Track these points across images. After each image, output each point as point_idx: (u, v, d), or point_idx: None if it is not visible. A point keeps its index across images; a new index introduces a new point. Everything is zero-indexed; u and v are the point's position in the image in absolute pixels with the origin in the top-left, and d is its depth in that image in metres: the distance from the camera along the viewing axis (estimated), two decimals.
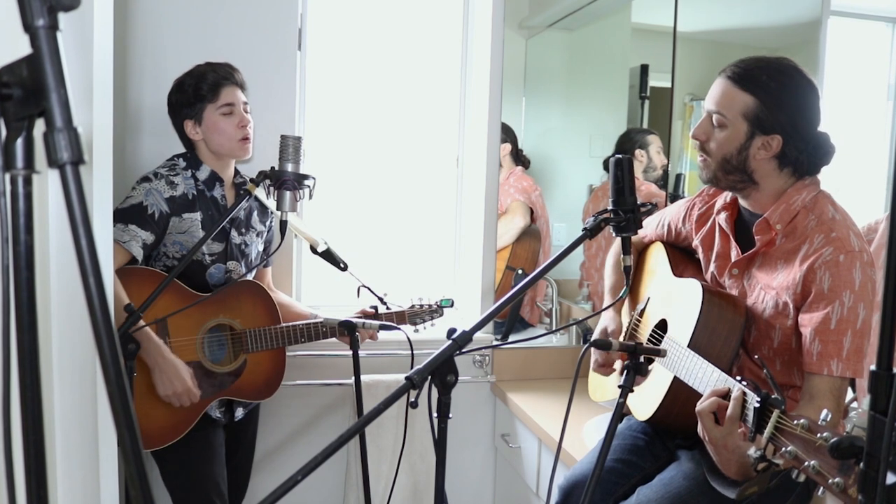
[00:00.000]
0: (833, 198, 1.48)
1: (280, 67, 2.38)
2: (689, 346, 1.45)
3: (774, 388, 1.15)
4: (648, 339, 1.68)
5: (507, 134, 2.72)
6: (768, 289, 1.48)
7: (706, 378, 1.36)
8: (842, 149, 1.50)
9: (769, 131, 1.43)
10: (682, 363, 1.45)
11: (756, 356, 1.50)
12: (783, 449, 1.07)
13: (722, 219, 1.59)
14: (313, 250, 2.12)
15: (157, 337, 1.83)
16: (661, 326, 1.65)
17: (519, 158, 2.78)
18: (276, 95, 2.37)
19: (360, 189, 2.71)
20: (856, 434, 0.94)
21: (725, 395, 1.27)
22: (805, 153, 1.44)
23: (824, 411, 1.03)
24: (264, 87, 2.33)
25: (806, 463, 1.02)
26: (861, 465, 0.73)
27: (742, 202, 1.57)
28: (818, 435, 1.02)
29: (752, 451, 1.11)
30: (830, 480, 0.97)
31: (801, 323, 1.41)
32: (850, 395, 1.55)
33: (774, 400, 1.13)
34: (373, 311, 2.13)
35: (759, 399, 1.16)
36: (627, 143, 2.77)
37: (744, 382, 1.24)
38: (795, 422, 1.06)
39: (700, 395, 1.34)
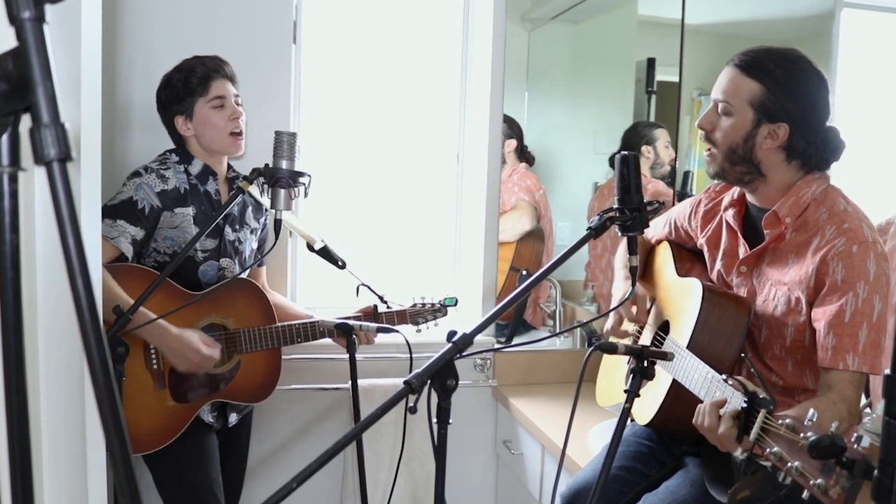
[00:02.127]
0: (843, 192, 1.49)
1: (274, 61, 2.38)
2: (688, 347, 1.45)
3: (763, 387, 1.15)
4: (652, 342, 1.68)
5: (513, 129, 2.72)
6: (779, 285, 1.48)
7: (700, 379, 1.36)
8: (855, 144, 1.50)
9: (775, 119, 1.44)
10: (680, 365, 1.45)
11: (743, 354, 1.50)
12: (767, 450, 1.06)
13: (729, 215, 1.60)
14: (310, 248, 2.11)
15: (153, 315, 1.80)
16: (665, 328, 1.66)
17: (523, 155, 2.78)
18: (270, 90, 2.37)
19: (358, 187, 2.71)
20: (864, 433, 0.94)
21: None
22: (813, 146, 1.45)
23: (811, 411, 1.03)
24: (258, 82, 2.33)
25: (789, 464, 1.01)
26: (875, 472, 0.73)
27: (749, 197, 1.57)
28: (801, 435, 1.01)
29: (739, 453, 1.11)
30: (812, 482, 0.96)
31: (815, 317, 1.41)
32: (863, 400, 1.55)
33: (762, 400, 1.13)
34: (373, 309, 2.12)
35: (745, 400, 1.16)
36: (634, 138, 2.77)
37: (730, 382, 1.23)
38: (780, 422, 1.06)
39: (698, 398, 1.34)
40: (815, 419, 1.02)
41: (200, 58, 1.97)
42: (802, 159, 1.47)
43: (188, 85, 1.93)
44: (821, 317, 1.40)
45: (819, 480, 0.96)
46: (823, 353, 1.38)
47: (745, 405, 1.15)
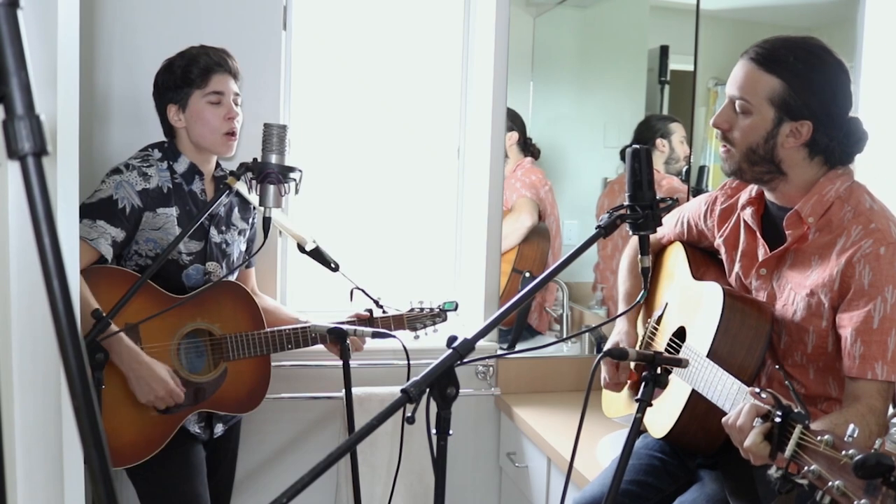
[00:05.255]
0: (869, 188, 1.49)
1: (263, 49, 2.37)
2: (707, 356, 1.45)
3: (798, 402, 1.14)
4: (666, 350, 1.67)
5: (514, 121, 2.72)
6: (800, 288, 1.48)
7: (725, 391, 1.36)
8: (880, 136, 1.50)
9: (798, 117, 1.43)
10: (700, 374, 1.45)
11: (778, 366, 1.50)
12: (806, 468, 1.06)
13: (747, 214, 1.59)
14: (301, 249, 2.12)
15: (129, 339, 1.82)
16: (680, 335, 1.65)
17: (527, 148, 2.78)
18: (258, 80, 2.36)
19: (352, 183, 2.71)
20: (891, 444, 0.94)
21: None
22: (837, 140, 1.45)
23: (850, 426, 1.03)
24: (246, 71, 2.30)
25: (830, 483, 1.01)
26: None
27: (769, 195, 1.57)
28: (843, 452, 1.01)
29: (773, 471, 1.11)
30: (856, 502, 0.97)
31: (840, 324, 1.41)
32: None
33: (797, 415, 1.13)
34: (367, 314, 2.13)
35: (780, 413, 1.16)
36: (647, 132, 2.77)
37: (763, 394, 1.23)
38: (819, 438, 1.06)
39: (719, 410, 1.34)
40: (855, 435, 1.02)
41: (206, 48, 1.97)
42: (825, 155, 1.47)
43: (188, 74, 1.93)
44: (847, 323, 1.40)
45: (864, 500, 0.96)
46: (850, 361, 1.39)
47: (778, 419, 1.15)
